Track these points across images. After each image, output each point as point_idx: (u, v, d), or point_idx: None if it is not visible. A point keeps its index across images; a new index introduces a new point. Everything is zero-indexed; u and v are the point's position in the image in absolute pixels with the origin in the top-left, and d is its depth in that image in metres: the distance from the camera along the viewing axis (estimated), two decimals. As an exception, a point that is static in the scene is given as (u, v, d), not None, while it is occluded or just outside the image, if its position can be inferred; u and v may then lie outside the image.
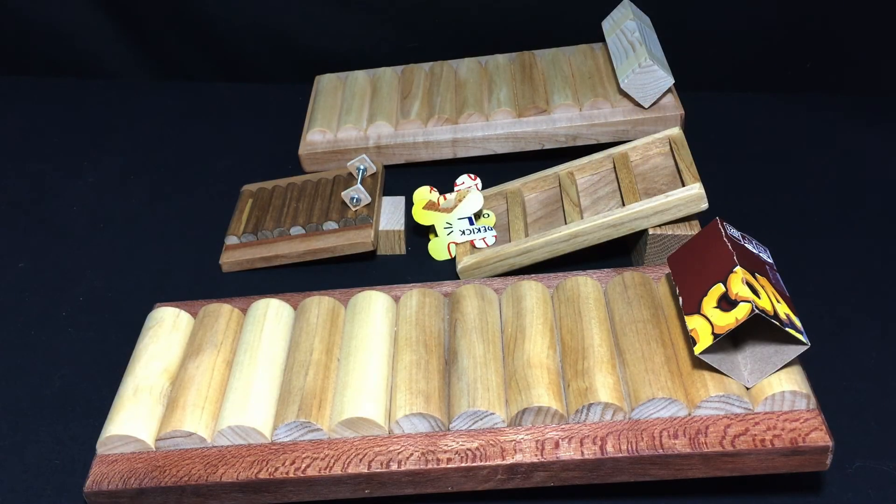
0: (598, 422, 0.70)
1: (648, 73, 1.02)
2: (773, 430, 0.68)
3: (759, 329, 0.70)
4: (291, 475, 0.70)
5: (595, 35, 1.17)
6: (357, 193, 0.97)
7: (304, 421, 0.71)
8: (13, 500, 0.77)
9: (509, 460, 0.69)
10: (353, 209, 0.98)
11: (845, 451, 0.77)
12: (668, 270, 0.81)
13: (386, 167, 1.09)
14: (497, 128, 1.08)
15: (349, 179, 1.04)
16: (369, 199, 0.98)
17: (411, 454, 0.70)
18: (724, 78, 1.28)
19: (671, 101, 1.06)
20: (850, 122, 1.18)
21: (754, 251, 0.73)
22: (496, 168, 1.10)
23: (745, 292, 0.66)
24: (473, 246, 0.95)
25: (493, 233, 0.95)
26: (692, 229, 0.90)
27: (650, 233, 0.90)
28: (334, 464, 0.70)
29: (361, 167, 1.02)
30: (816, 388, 0.72)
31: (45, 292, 0.98)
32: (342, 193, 0.98)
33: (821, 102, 1.22)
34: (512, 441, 0.70)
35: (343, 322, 0.81)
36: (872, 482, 0.75)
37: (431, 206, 0.98)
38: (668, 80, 1.02)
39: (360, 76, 1.19)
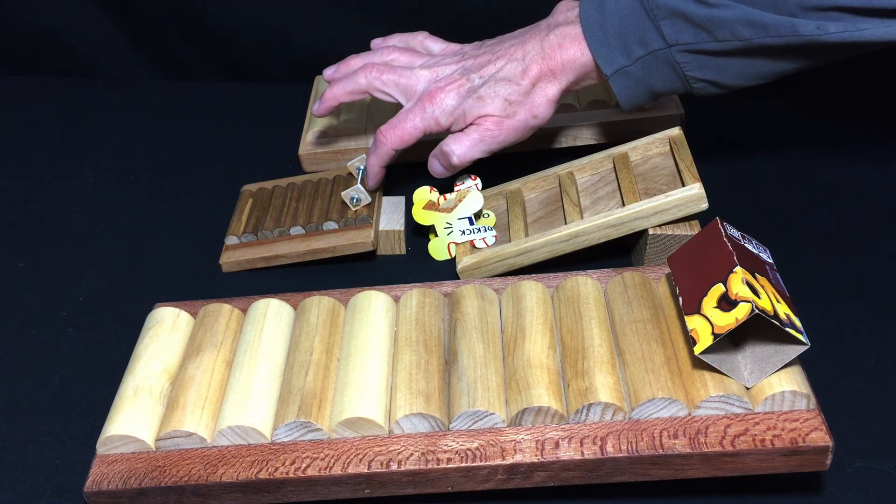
0: (598, 422, 0.70)
1: None
2: (773, 430, 0.68)
3: (759, 329, 0.70)
4: (291, 475, 0.70)
5: (595, 35, 1.17)
6: (357, 193, 0.98)
7: (304, 421, 0.71)
8: (13, 500, 0.77)
9: (509, 460, 0.69)
10: (353, 209, 0.98)
11: (845, 451, 0.77)
12: (668, 270, 0.81)
13: (386, 167, 1.09)
14: (497, 128, 1.07)
15: (349, 179, 1.04)
16: (369, 199, 0.98)
17: (411, 454, 0.70)
18: (724, 78, 1.28)
19: (671, 101, 1.06)
20: (851, 123, 1.18)
21: (754, 251, 0.74)
22: (496, 168, 1.09)
23: (745, 292, 0.66)
24: (473, 246, 0.95)
25: (493, 233, 0.95)
26: (692, 229, 0.90)
27: (650, 233, 0.90)
28: (334, 464, 0.70)
29: (361, 167, 1.02)
30: (816, 388, 0.72)
31: (45, 292, 0.98)
32: (342, 193, 0.98)
33: (821, 102, 1.22)
34: (512, 441, 0.70)
35: (343, 322, 0.81)
36: (872, 482, 0.75)
37: (431, 206, 0.98)
38: None
39: (360, 76, 1.19)
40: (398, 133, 0.93)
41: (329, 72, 1.01)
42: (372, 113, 1.12)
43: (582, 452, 0.68)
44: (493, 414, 0.70)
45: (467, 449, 0.70)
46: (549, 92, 0.89)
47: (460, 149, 0.92)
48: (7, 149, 1.20)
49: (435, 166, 0.96)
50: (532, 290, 0.80)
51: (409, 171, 1.10)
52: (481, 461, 0.69)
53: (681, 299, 0.71)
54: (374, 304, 0.81)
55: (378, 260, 1.01)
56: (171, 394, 0.76)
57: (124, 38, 1.32)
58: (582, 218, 0.92)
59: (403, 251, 1.01)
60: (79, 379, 0.88)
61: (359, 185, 0.98)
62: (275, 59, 1.32)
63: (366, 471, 0.69)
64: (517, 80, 0.89)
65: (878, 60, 1.24)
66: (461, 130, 0.92)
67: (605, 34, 0.85)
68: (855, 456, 0.77)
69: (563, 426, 0.70)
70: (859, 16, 0.77)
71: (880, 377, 0.84)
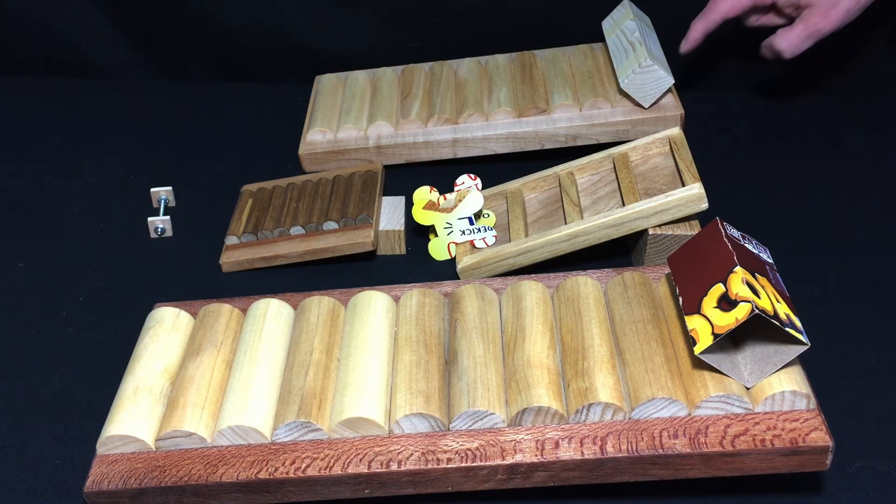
0: (598, 422, 0.70)
1: (649, 73, 1.02)
2: (773, 430, 0.68)
3: (759, 329, 0.70)
4: (291, 475, 0.70)
5: (595, 35, 1.17)
6: (163, 224, 1.02)
7: (304, 421, 0.71)
8: (13, 500, 0.77)
9: (509, 460, 0.69)
10: (156, 235, 1.02)
11: (845, 451, 0.77)
12: (668, 270, 0.81)
13: (386, 167, 1.09)
14: (497, 128, 1.08)
15: (349, 179, 1.04)
16: (170, 232, 1.02)
17: (411, 454, 0.70)
18: (724, 78, 1.28)
19: (671, 101, 1.06)
20: (850, 122, 1.18)
21: (754, 251, 0.74)
22: (496, 168, 1.09)
23: (745, 292, 0.66)
24: (473, 246, 0.95)
25: (493, 233, 0.95)
26: (692, 229, 0.90)
27: (650, 233, 0.90)
28: (334, 464, 0.70)
29: (163, 198, 1.06)
30: (816, 388, 0.72)
31: (45, 292, 0.98)
32: (149, 220, 1.02)
33: (821, 102, 1.22)
34: (512, 441, 0.70)
35: (343, 322, 0.81)
36: (872, 482, 0.75)
37: (431, 206, 0.98)
38: (669, 80, 1.02)
39: (360, 76, 1.19)
40: (730, 1, 1.04)
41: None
42: (373, 112, 1.12)
43: (582, 452, 0.68)
44: (493, 414, 0.70)
45: (467, 449, 0.70)
46: None
47: (790, 46, 1.03)
48: (7, 149, 1.20)
49: (766, 54, 1.08)
50: (532, 290, 0.80)
51: (409, 171, 1.10)
52: (481, 461, 0.69)
53: (681, 299, 0.71)
54: (374, 304, 0.81)
55: (378, 260, 1.01)
56: (171, 394, 0.76)
57: (124, 38, 1.32)
58: (582, 218, 0.92)
59: (403, 251, 1.01)
60: (79, 379, 0.88)
61: (163, 216, 1.02)
62: (275, 59, 1.32)
63: (366, 471, 0.69)
64: None
65: (878, 59, 1.24)
66: (788, 27, 1.03)
67: None
68: (855, 456, 0.77)
69: (563, 426, 0.70)
70: None
71: (880, 377, 0.84)
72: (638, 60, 1.02)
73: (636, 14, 1.11)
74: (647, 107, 1.05)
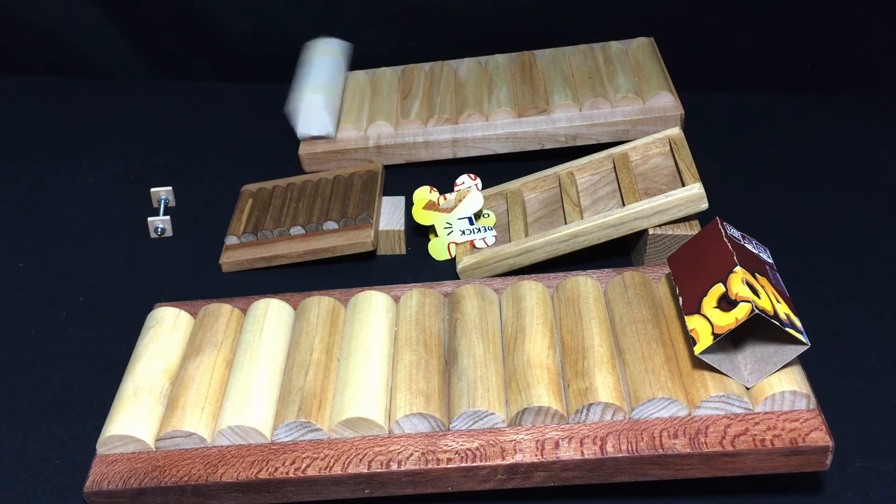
0: (598, 422, 0.70)
1: (322, 115, 1.07)
2: (773, 430, 0.68)
3: (759, 329, 0.70)
4: (291, 475, 0.70)
5: (595, 35, 1.18)
6: (163, 224, 1.02)
7: (304, 421, 0.71)
8: (13, 500, 0.77)
9: (509, 460, 0.69)
10: (156, 235, 1.03)
11: (845, 451, 0.77)
12: (668, 270, 0.81)
13: (386, 167, 1.09)
14: (497, 128, 1.08)
15: (349, 179, 1.04)
16: (170, 230, 1.03)
17: (411, 454, 0.70)
18: (724, 78, 1.28)
19: (671, 101, 1.06)
20: (850, 122, 1.18)
21: (754, 251, 0.74)
22: (496, 168, 1.10)
23: (745, 292, 0.66)
24: (473, 246, 0.95)
25: (493, 233, 0.95)
26: (692, 229, 0.90)
27: (650, 233, 0.90)
28: (334, 464, 0.70)
29: (163, 198, 1.06)
30: (816, 388, 0.72)
31: (45, 292, 0.98)
32: (149, 220, 1.03)
33: (821, 102, 1.22)
34: (512, 441, 0.70)
35: (343, 322, 0.81)
36: (872, 482, 0.75)
37: (431, 206, 0.98)
38: (331, 132, 1.08)
39: (360, 76, 1.19)
40: None
41: None
42: (373, 112, 1.12)
43: (582, 452, 0.68)
44: (493, 414, 0.70)
45: (467, 449, 0.70)
46: None
47: None
48: (7, 149, 1.20)
49: None
50: (532, 290, 0.80)
51: (409, 171, 1.10)
52: (481, 461, 0.69)
53: (681, 299, 0.71)
54: (374, 304, 0.81)
55: (378, 260, 1.01)
56: (171, 394, 0.76)
57: (124, 38, 1.32)
58: (582, 218, 0.92)
59: (403, 251, 1.01)
60: (79, 379, 0.88)
61: (163, 216, 1.03)
62: (275, 59, 1.32)
63: (366, 471, 0.69)
64: None
65: (878, 59, 1.24)
66: None
67: None
68: (855, 456, 0.77)
69: (563, 426, 0.70)
70: None
71: (880, 377, 0.84)
72: (324, 97, 1.08)
73: (342, 57, 1.16)
74: (296, 131, 1.09)
